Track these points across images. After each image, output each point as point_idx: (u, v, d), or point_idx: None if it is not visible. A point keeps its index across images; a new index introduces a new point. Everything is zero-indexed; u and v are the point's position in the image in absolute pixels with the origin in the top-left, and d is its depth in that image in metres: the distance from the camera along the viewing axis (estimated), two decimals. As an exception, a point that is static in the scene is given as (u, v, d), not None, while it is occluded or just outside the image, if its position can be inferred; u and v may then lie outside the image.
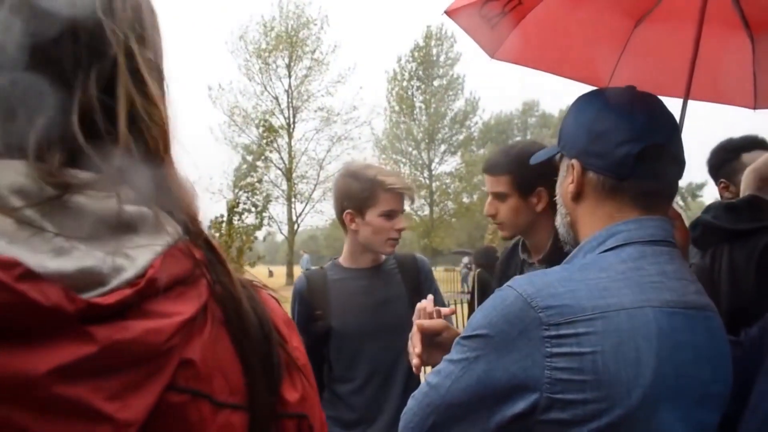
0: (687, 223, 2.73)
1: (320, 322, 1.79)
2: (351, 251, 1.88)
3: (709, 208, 1.46)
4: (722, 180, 2.07)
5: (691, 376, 0.87)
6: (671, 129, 0.99)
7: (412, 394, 0.95)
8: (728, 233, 1.39)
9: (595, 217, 0.98)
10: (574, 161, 1.00)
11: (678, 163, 0.99)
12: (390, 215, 1.76)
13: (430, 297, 1.35)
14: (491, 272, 6.84)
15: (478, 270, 6.70)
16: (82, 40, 0.47)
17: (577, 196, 1.00)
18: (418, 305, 1.31)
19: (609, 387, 0.80)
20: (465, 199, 33.02)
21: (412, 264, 1.84)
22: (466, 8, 1.58)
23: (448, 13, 1.62)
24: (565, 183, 1.03)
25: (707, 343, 0.90)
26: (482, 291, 6.34)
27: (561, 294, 0.84)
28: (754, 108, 1.91)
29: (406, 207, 1.81)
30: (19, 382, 0.37)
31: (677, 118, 1.53)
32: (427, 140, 32.39)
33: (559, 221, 1.08)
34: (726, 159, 2.07)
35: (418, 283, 1.77)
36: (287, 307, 1.95)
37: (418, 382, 1.81)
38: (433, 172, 32.83)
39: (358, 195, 1.77)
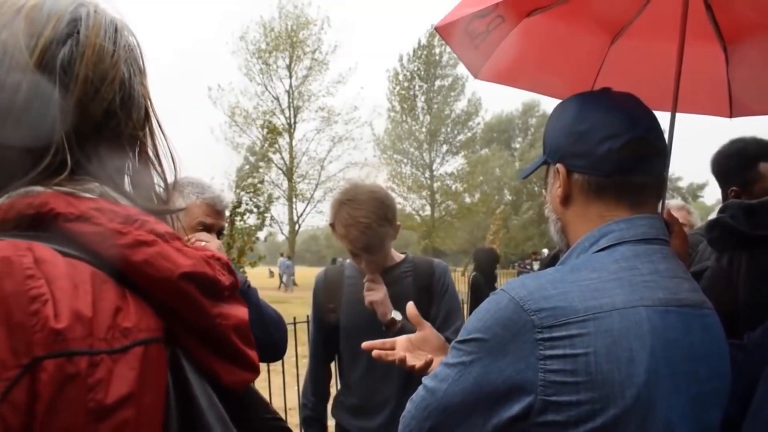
0: (696, 221, 2.67)
1: (332, 315, 1.92)
2: None
3: (726, 207, 1.42)
4: (734, 188, 1.96)
5: (687, 374, 0.86)
6: (650, 121, 0.98)
7: (410, 398, 0.95)
8: (747, 238, 1.37)
9: (585, 218, 0.97)
10: (559, 165, 1.00)
11: (661, 155, 0.99)
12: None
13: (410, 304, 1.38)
14: (489, 275, 6.85)
15: (473, 273, 6.71)
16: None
17: (566, 199, 1.00)
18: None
19: (603, 387, 0.80)
20: (467, 200, 32.98)
21: (426, 268, 1.90)
22: (454, 24, 1.60)
23: (438, 28, 1.64)
24: (553, 189, 1.03)
25: (702, 340, 0.90)
26: (474, 294, 6.38)
27: (553, 296, 0.84)
28: (731, 117, 1.98)
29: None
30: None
31: (666, 131, 1.57)
32: (429, 140, 32.26)
33: (552, 228, 1.08)
34: (740, 167, 1.96)
35: (430, 285, 1.83)
36: (284, 308, 2.04)
37: (418, 379, 1.90)
38: (435, 173, 32.70)
39: None
